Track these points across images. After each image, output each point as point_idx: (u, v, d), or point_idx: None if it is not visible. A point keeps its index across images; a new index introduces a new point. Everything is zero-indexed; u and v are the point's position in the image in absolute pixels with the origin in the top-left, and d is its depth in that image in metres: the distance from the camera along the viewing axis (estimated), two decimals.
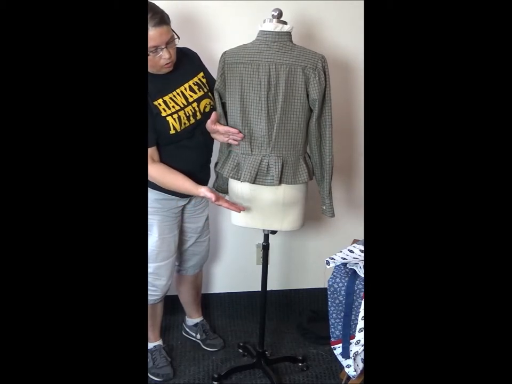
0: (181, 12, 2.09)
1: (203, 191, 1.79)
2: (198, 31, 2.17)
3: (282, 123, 1.77)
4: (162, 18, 1.70)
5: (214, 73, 1.91)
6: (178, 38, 1.77)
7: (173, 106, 1.82)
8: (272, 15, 1.75)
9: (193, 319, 2.42)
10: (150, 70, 1.74)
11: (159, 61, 1.74)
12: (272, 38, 1.74)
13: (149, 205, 1.89)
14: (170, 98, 1.82)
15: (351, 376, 1.81)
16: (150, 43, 1.67)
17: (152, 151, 1.81)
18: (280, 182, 1.82)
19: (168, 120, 1.80)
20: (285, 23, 1.76)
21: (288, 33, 1.77)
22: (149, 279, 2.00)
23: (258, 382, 2.14)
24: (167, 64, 1.76)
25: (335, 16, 2.22)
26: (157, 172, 1.81)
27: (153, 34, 1.67)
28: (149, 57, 1.70)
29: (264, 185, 1.83)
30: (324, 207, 1.96)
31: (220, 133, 1.85)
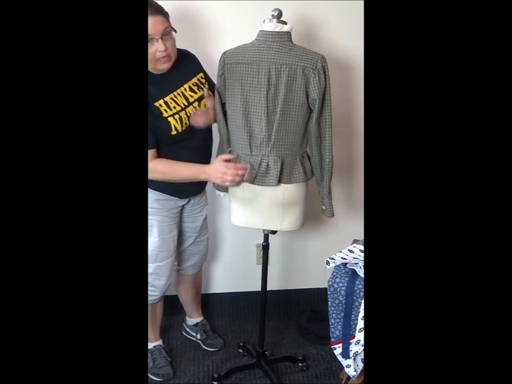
0: (180, 12, 2.09)
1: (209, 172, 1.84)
2: (198, 31, 2.16)
3: (281, 123, 1.77)
4: (158, 8, 1.70)
5: (214, 73, 1.90)
6: (175, 31, 1.77)
7: (174, 107, 1.82)
8: (272, 15, 1.75)
9: (193, 319, 2.42)
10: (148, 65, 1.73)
11: (155, 53, 1.72)
12: (272, 38, 1.74)
13: (148, 206, 1.89)
14: (171, 98, 1.82)
15: (351, 376, 1.81)
16: None
17: (154, 152, 1.81)
18: (279, 182, 1.82)
19: (169, 121, 1.80)
20: (284, 23, 1.76)
21: (288, 33, 1.77)
22: (149, 279, 2.00)
23: (258, 382, 2.14)
24: (163, 57, 1.74)
25: (335, 16, 2.21)
26: (162, 164, 1.82)
27: (148, 23, 1.64)
28: None
29: (264, 185, 1.83)
30: (324, 207, 1.96)
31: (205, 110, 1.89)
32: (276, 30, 1.74)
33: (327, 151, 1.85)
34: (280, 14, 1.76)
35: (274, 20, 1.75)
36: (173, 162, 1.84)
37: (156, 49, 1.71)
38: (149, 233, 1.96)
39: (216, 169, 1.82)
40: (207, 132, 1.96)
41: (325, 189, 1.92)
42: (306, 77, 1.73)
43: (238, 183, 1.84)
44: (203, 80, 1.93)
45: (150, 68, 1.75)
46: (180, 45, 1.86)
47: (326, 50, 2.02)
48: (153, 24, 1.67)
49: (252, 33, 1.80)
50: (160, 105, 1.79)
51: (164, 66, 1.78)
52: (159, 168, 1.80)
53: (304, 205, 1.94)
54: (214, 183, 2.02)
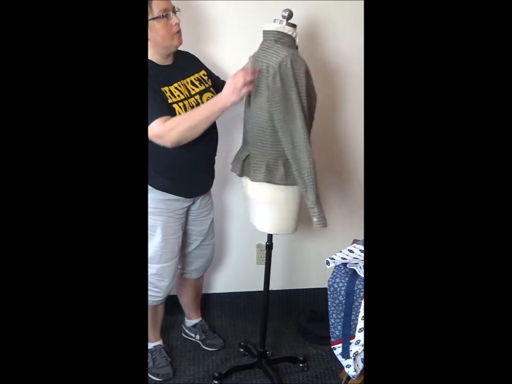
0: (182, 14, 2.09)
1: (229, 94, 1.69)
2: (199, 32, 2.17)
3: (250, 120, 1.83)
4: None
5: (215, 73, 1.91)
6: (179, 10, 1.82)
7: (178, 95, 1.83)
8: (282, 15, 1.74)
9: (191, 320, 2.41)
10: (162, 43, 1.78)
11: (171, 28, 1.77)
12: (264, 37, 1.78)
13: (153, 206, 1.89)
14: (175, 88, 1.84)
15: (351, 376, 1.81)
16: (159, 7, 1.73)
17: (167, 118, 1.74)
18: (242, 174, 1.90)
19: (174, 108, 1.80)
20: (293, 25, 1.75)
21: (274, 32, 1.74)
22: (152, 280, 2.00)
23: (258, 382, 2.14)
24: (178, 32, 1.80)
25: (337, 16, 2.21)
26: (174, 119, 1.74)
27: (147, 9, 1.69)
28: (161, 24, 1.75)
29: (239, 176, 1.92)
30: (315, 219, 1.74)
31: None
32: (268, 29, 1.75)
33: (304, 154, 1.69)
34: (290, 15, 1.73)
35: (278, 20, 1.74)
36: (184, 114, 1.79)
37: (173, 22, 1.77)
38: (153, 233, 1.95)
39: (227, 87, 1.71)
40: (211, 125, 1.95)
41: (311, 198, 1.72)
42: (267, 75, 1.69)
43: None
44: (205, 78, 1.95)
45: (166, 44, 1.80)
46: (182, 47, 1.87)
47: (328, 51, 2.02)
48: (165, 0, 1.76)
49: (254, 33, 1.81)
50: (165, 91, 1.81)
51: (178, 42, 1.83)
52: (173, 123, 1.71)
53: (288, 209, 1.87)
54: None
